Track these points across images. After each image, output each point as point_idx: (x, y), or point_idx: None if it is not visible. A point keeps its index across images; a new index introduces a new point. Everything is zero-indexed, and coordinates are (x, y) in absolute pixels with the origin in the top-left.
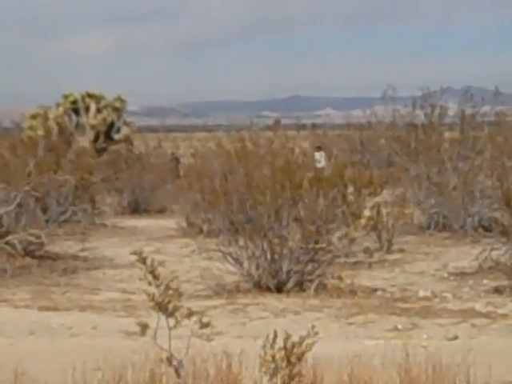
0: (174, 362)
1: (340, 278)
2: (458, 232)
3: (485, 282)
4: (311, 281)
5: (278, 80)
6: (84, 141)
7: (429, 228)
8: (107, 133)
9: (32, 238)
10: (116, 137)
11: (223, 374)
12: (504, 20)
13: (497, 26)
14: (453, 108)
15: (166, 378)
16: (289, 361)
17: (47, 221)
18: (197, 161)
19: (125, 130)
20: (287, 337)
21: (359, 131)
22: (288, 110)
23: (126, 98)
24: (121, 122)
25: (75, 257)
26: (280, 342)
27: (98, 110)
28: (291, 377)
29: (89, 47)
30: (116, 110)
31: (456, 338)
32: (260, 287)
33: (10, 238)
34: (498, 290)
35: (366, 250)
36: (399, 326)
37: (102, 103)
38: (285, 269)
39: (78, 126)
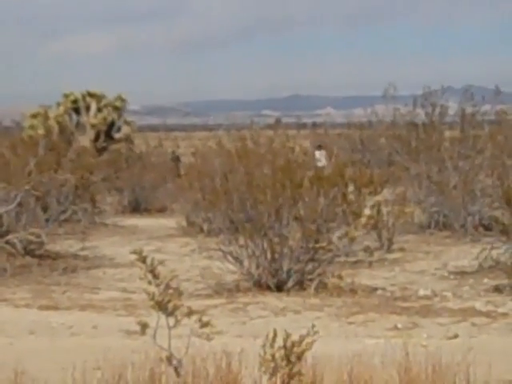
0: (174, 361)
1: (340, 277)
2: (458, 231)
3: (485, 280)
4: (311, 280)
5: (279, 79)
6: (84, 140)
7: (429, 227)
8: (108, 132)
9: (32, 237)
10: (116, 136)
11: (223, 373)
12: (504, 19)
13: (497, 25)
14: (453, 107)
15: (165, 377)
16: (288, 360)
17: (47, 220)
18: (197, 160)
19: (125, 129)
20: (287, 336)
21: (360, 130)
22: (288, 109)
23: (127, 97)
24: (121, 121)
25: (75, 256)
26: (280, 341)
27: (99, 109)
28: (291, 376)
29: (89, 47)
30: (116, 109)
31: (456, 336)
32: (260, 286)
33: (10, 237)
34: (498, 289)
35: (367, 249)
36: (399, 325)
37: (103, 102)
38: (285, 268)
39: (78, 125)
